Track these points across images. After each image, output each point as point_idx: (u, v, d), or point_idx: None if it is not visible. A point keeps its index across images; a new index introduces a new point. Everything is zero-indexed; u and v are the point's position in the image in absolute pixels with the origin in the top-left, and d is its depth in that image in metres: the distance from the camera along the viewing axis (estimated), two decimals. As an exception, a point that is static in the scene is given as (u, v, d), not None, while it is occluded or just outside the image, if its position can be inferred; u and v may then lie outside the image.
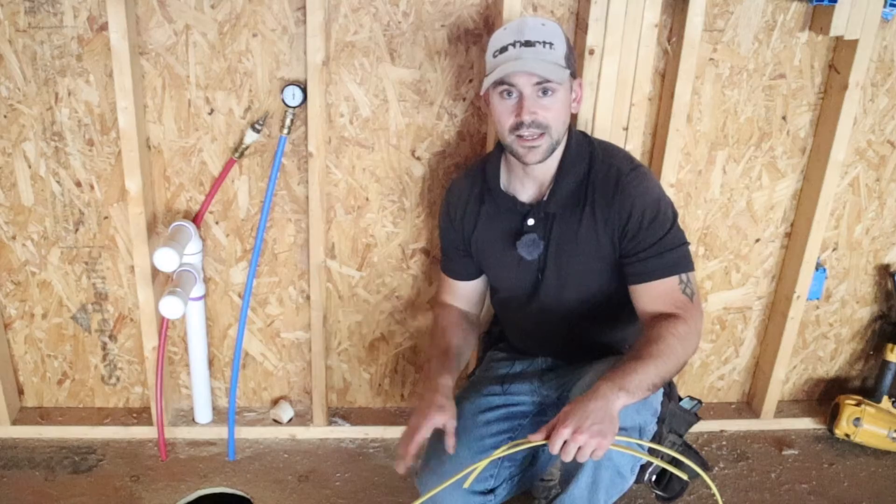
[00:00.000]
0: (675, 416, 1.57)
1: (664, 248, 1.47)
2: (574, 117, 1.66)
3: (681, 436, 1.57)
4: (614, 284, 1.56)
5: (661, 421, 1.50)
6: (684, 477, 1.37)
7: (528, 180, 1.56)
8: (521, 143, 1.45)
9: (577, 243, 1.54)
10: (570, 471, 1.42)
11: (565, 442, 1.23)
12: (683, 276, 1.47)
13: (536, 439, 1.28)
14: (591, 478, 1.39)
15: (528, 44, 1.42)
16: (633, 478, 1.45)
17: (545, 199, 1.54)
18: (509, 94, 1.44)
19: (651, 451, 1.42)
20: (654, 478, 1.53)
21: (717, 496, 1.34)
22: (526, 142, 1.45)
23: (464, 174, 1.71)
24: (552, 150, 1.48)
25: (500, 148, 1.58)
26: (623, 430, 1.33)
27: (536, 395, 1.70)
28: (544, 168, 1.53)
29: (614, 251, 1.52)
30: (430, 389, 1.51)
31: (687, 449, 1.55)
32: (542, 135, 1.44)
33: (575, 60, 1.52)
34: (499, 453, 1.33)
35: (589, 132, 1.81)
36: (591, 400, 1.27)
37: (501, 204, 1.59)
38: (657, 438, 1.49)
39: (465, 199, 1.65)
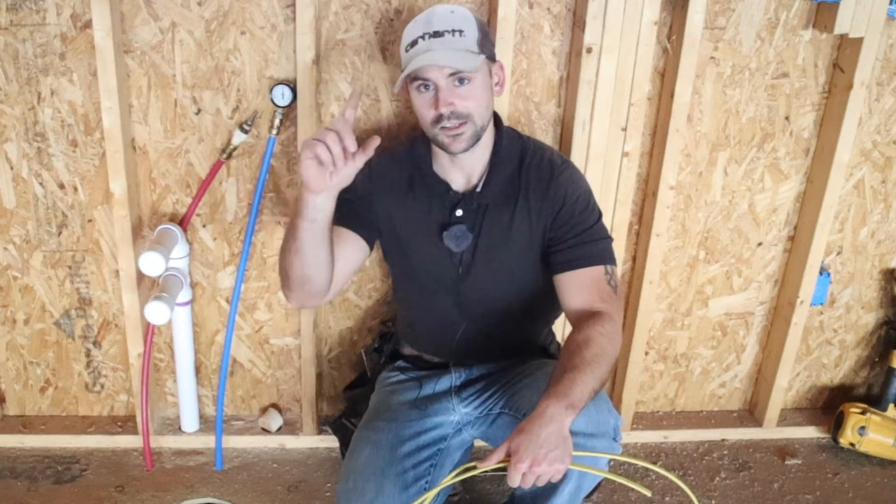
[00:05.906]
0: None
1: (592, 238, 1.50)
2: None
3: None
4: (541, 282, 1.56)
5: None
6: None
7: (456, 171, 1.54)
8: (445, 132, 1.44)
9: (509, 237, 1.54)
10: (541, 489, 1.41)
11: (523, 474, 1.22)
12: (609, 267, 1.50)
13: (489, 465, 1.25)
14: (576, 484, 1.43)
15: (436, 34, 1.41)
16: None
17: (479, 189, 1.53)
18: (426, 87, 1.42)
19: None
20: None
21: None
22: (450, 131, 1.43)
23: (386, 157, 1.60)
24: (477, 138, 1.46)
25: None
26: (596, 436, 1.39)
27: (455, 415, 1.64)
28: (473, 159, 1.52)
29: (543, 243, 1.53)
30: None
31: None
32: (464, 123, 1.43)
33: (492, 44, 1.50)
34: (447, 480, 1.29)
35: (587, 133, 1.79)
36: (542, 426, 1.23)
37: (433, 188, 1.55)
38: None
39: (390, 180, 1.58)
